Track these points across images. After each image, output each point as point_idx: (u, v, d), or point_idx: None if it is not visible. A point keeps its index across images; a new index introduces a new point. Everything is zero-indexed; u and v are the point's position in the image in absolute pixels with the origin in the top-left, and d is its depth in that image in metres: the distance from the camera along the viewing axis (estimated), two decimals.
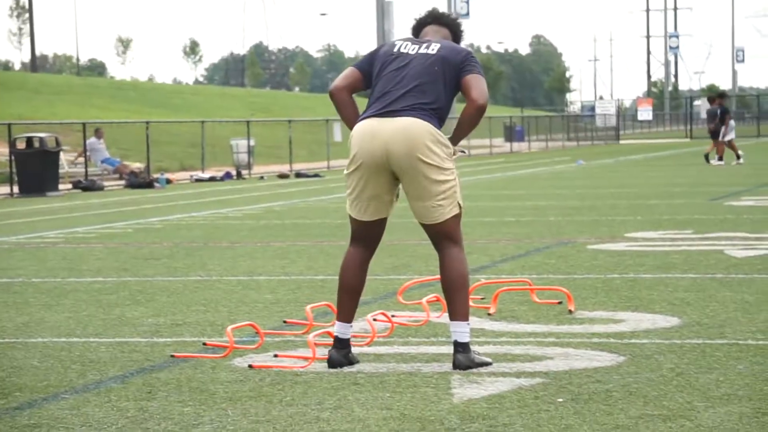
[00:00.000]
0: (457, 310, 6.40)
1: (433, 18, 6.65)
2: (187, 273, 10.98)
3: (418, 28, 6.66)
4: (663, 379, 6.00)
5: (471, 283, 9.05)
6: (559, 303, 8.36)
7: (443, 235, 6.47)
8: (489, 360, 6.48)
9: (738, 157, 33.82)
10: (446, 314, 8.00)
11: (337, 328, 6.56)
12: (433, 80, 6.33)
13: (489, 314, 8.09)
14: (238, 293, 9.48)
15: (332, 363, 6.49)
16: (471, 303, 8.34)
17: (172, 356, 6.88)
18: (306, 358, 6.64)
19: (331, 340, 6.75)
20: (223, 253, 12.76)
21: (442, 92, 6.34)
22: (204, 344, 7.22)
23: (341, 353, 6.52)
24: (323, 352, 6.77)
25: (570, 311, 8.06)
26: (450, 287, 6.48)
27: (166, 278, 10.64)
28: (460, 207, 6.47)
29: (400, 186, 6.52)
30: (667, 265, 10.45)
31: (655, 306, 8.25)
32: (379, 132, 6.31)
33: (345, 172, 6.53)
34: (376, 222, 6.53)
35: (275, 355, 6.79)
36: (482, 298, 8.66)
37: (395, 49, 6.45)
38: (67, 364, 6.77)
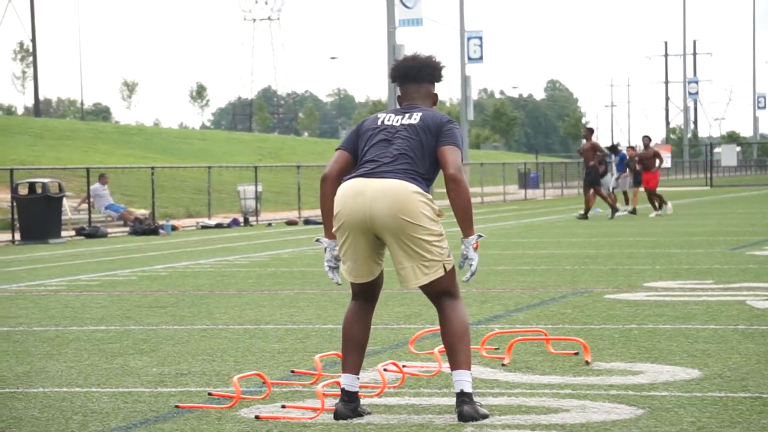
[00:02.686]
0: (461, 360, 6.30)
1: (413, 74, 6.63)
2: (192, 321, 10.78)
3: (403, 79, 6.65)
4: None
5: (485, 333, 8.89)
6: (576, 354, 8.15)
7: (442, 292, 6.45)
8: (487, 412, 6.32)
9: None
10: None
11: (344, 380, 6.45)
12: (418, 149, 6.42)
13: (503, 365, 7.88)
14: (244, 342, 9.28)
15: (338, 416, 6.36)
16: (484, 353, 8.20)
17: (177, 407, 6.69)
18: (314, 409, 6.45)
19: (339, 390, 6.58)
20: (230, 301, 12.57)
21: (427, 160, 6.43)
22: (209, 394, 7.02)
23: (349, 407, 6.39)
24: (332, 403, 6.58)
25: (587, 362, 7.85)
26: (453, 337, 6.37)
27: (171, 327, 10.44)
28: (451, 263, 6.47)
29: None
30: (686, 316, 10.24)
31: (674, 357, 8.04)
32: (364, 190, 6.36)
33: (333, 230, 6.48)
34: (367, 283, 6.50)
35: (283, 406, 6.61)
36: (496, 349, 8.45)
37: (379, 122, 6.55)
38: (69, 414, 6.57)
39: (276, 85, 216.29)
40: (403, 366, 7.59)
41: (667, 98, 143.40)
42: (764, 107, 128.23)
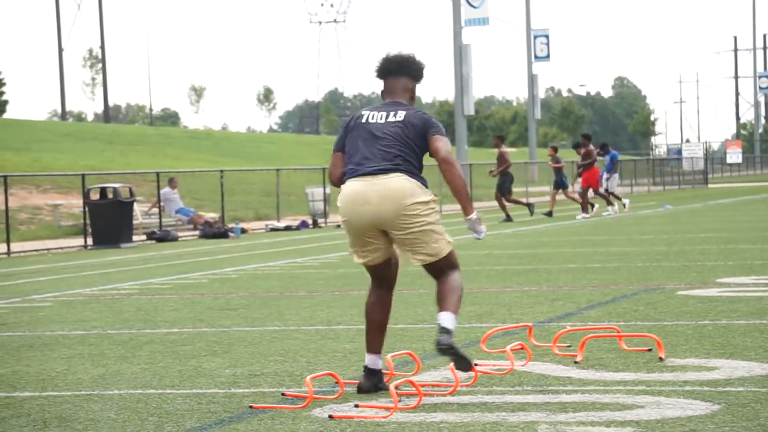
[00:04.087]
0: (449, 304, 6.95)
1: (393, 68, 7.25)
2: (264, 323, 10.83)
3: (383, 73, 7.28)
4: (761, 428, 5.73)
5: (557, 331, 8.85)
6: (649, 350, 8.08)
7: (445, 266, 7.09)
8: (471, 359, 6.96)
9: (610, 203, 32.50)
10: (531, 362, 7.80)
11: (368, 360, 7.08)
12: (406, 146, 7.00)
13: (576, 362, 7.83)
14: (316, 343, 9.31)
15: (361, 389, 7.01)
16: (557, 351, 8.16)
17: (251, 407, 6.72)
18: (387, 408, 6.45)
19: (413, 390, 6.63)
20: (301, 302, 12.61)
21: (413, 153, 7.02)
22: (283, 395, 7.05)
23: (371, 380, 7.03)
24: (406, 402, 6.58)
25: (660, 359, 7.78)
26: (446, 289, 7.03)
27: (242, 328, 10.49)
28: (450, 242, 7.13)
29: None
30: (761, 311, 10.12)
31: (750, 353, 7.94)
32: (366, 196, 6.96)
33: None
34: (379, 265, 7.17)
35: (356, 405, 6.61)
36: (568, 346, 8.40)
37: (364, 120, 7.11)
38: (144, 416, 6.62)
39: (342, 87, 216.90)
40: (476, 364, 7.57)
41: (737, 93, 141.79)
42: None
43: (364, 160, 7.01)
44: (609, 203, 32.98)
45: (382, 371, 7.12)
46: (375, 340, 7.09)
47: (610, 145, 36.15)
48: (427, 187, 7.05)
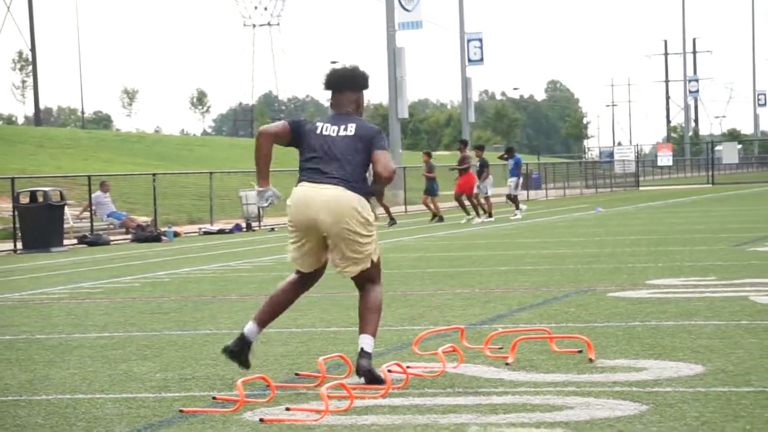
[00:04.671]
0: (368, 326, 7.46)
1: (335, 85, 7.78)
2: (196, 327, 10.78)
3: (329, 87, 7.81)
4: (688, 428, 5.78)
5: (488, 333, 8.89)
6: (580, 352, 8.14)
7: (366, 279, 7.65)
8: (383, 378, 7.16)
9: (478, 214, 32.15)
10: (463, 364, 7.83)
11: (247, 327, 7.67)
12: (353, 156, 7.55)
13: (507, 364, 7.87)
14: None
15: (226, 350, 7.66)
16: (488, 353, 8.20)
17: (181, 411, 6.68)
18: (319, 411, 6.44)
19: (344, 393, 6.62)
20: (233, 306, 12.56)
21: (360, 165, 7.57)
22: (214, 398, 7.01)
23: (238, 346, 7.62)
24: (337, 405, 6.57)
25: (590, 360, 7.84)
26: (366, 309, 7.55)
27: (174, 332, 10.43)
28: (377, 256, 7.72)
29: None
30: (689, 312, 10.23)
31: (678, 353, 8.03)
32: (312, 202, 7.49)
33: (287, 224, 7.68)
34: (312, 272, 7.71)
35: (287, 409, 6.59)
36: (500, 348, 8.44)
37: (318, 131, 7.64)
38: (73, 421, 6.56)
39: (277, 90, 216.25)
40: (407, 367, 7.59)
41: (668, 97, 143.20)
42: (765, 104, 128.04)
43: (313, 172, 7.56)
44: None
45: (252, 342, 7.64)
46: (266, 315, 7.71)
47: (516, 150, 36.14)
48: (366, 203, 7.58)
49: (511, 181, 34.58)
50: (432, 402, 6.73)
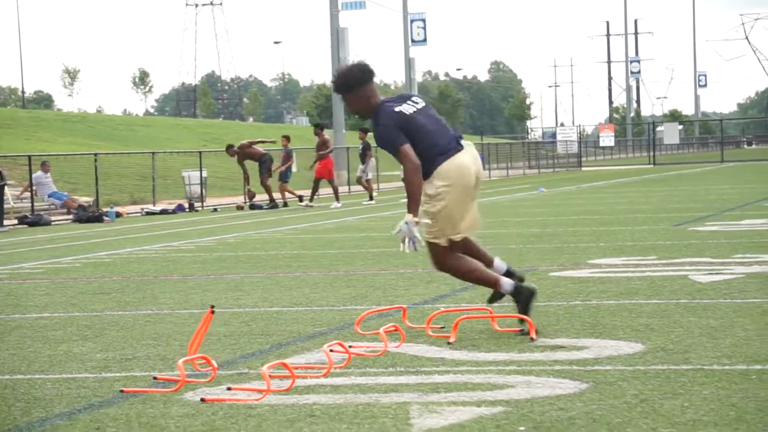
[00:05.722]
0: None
1: (339, 92, 8.22)
2: (137, 307, 10.72)
3: (369, 80, 8.17)
4: (627, 405, 5.83)
5: (430, 312, 8.92)
6: (521, 331, 8.18)
7: None
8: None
9: (371, 198, 32.76)
10: (405, 343, 7.84)
11: (500, 269, 8.53)
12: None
13: (449, 343, 7.89)
14: (190, 327, 9.23)
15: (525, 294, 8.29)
16: (431, 332, 8.21)
17: (122, 391, 6.65)
18: (260, 391, 6.42)
19: (287, 372, 6.60)
20: (175, 286, 12.50)
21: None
22: (154, 378, 6.98)
23: (515, 278, 8.46)
24: (278, 384, 6.56)
25: (531, 339, 7.88)
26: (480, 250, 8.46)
27: (115, 312, 10.37)
28: None
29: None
30: (630, 291, 10.30)
31: (618, 332, 8.08)
32: (470, 163, 8.13)
33: (440, 205, 8.06)
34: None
35: (228, 388, 6.57)
36: (442, 327, 8.46)
37: (409, 112, 8.04)
38: (11, 402, 6.50)
39: (220, 70, 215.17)
40: (350, 346, 7.59)
41: (610, 78, 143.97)
42: (705, 85, 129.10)
43: (443, 138, 8.09)
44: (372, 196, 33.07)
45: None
46: (485, 262, 8.34)
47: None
48: None
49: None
50: (374, 381, 6.73)
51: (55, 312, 10.56)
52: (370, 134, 33.06)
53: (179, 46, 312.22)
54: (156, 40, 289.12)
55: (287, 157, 32.81)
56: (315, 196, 32.53)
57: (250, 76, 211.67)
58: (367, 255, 15.35)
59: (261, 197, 34.48)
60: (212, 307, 7.31)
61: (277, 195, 33.21)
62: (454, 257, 8.17)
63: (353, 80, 8.03)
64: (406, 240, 8.01)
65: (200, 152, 39.45)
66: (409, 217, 7.95)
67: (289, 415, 5.91)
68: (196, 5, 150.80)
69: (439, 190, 8.00)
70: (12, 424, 5.95)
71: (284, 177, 32.75)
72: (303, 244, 17.79)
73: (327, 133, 33.43)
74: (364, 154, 33.32)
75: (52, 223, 29.08)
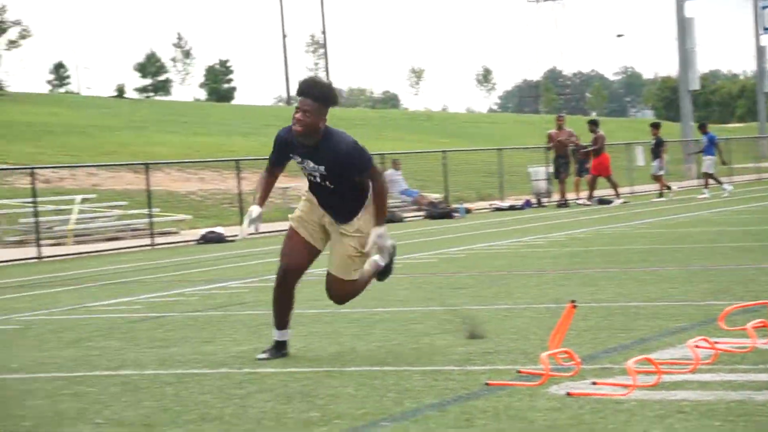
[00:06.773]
0: None
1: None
2: (493, 302, 10.84)
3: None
4: None
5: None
6: None
7: None
8: None
9: (661, 195, 31.84)
10: None
11: None
12: None
13: None
14: (548, 321, 9.24)
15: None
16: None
17: (487, 384, 6.73)
18: (626, 386, 6.36)
19: (651, 367, 6.52)
20: (529, 280, 12.57)
21: None
22: (518, 372, 7.03)
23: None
24: (644, 380, 6.48)
25: None
26: None
27: (472, 307, 10.51)
28: None
29: None
30: None
31: None
32: None
33: None
34: None
35: (593, 383, 6.54)
36: None
37: None
38: (383, 392, 6.70)
39: (562, 65, 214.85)
40: (715, 342, 7.40)
41: None
42: None
43: None
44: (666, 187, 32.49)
45: None
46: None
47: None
48: None
49: (706, 158, 33.23)
50: (744, 378, 6.53)
51: (416, 306, 10.81)
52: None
53: (521, 43, 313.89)
54: (498, 38, 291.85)
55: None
56: (593, 196, 32.19)
57: (592, 70, 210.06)
58: (725, 249, 14.94)
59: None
60: (573, 301, 7.29)
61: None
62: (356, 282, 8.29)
63: (333, 99, 7.94)
64: (384, 252, 8.19)
65: (546, 148, 39.41)
66: (380, 230, 8.01)
67: (657, 411, 5.82)
68: (538, 1, 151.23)
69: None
70: (386, 413, 6.13)
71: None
72: (656, 238, 17.51)
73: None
74: (658, 150, 32.73)
75: (405, 219, 29.81)
